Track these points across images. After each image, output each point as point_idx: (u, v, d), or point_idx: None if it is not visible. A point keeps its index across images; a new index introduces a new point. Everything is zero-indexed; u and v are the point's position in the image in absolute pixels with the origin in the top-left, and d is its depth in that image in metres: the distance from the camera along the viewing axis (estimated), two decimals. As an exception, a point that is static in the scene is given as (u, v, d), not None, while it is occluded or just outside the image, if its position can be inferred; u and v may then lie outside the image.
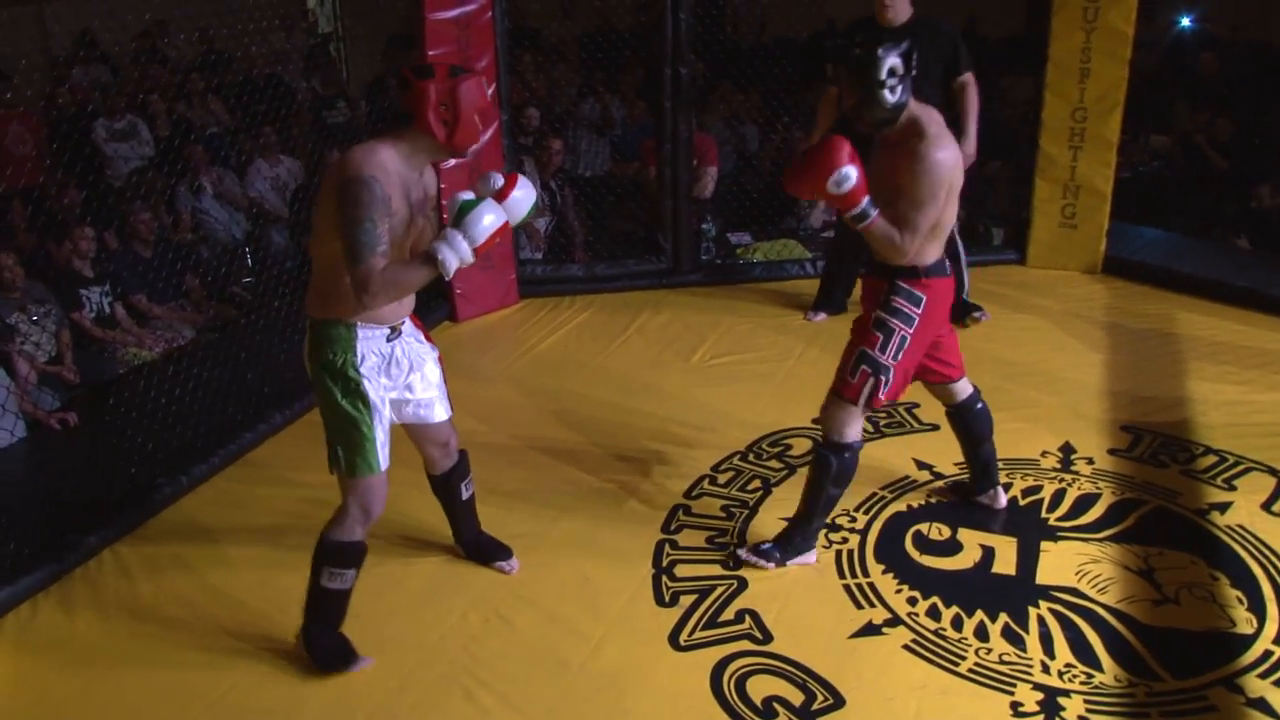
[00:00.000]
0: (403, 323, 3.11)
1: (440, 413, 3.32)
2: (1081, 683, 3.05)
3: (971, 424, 3.81)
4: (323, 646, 3.19)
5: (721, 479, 4.18)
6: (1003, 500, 3.92)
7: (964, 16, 9.22)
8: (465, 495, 3.61)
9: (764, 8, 10.04)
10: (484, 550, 3.70)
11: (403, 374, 3.14)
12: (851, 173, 3.13)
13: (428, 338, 3.30)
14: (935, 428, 4.51)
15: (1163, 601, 3.38)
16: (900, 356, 3.41)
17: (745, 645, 3.22)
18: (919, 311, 3.41)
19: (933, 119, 3.29)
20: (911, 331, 3.40)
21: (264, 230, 6.87)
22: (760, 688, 3.07)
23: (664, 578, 3.58)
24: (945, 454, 4.27)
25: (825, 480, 3.50)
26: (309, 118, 7.90)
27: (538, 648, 3.28)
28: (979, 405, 3.80)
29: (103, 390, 5.02)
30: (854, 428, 3.48)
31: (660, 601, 3.46)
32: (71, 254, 5.52)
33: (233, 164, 7.33)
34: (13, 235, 5.72)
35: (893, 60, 3.14)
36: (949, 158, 3.25)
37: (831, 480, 3.50)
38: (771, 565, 3.58)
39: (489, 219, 2.79)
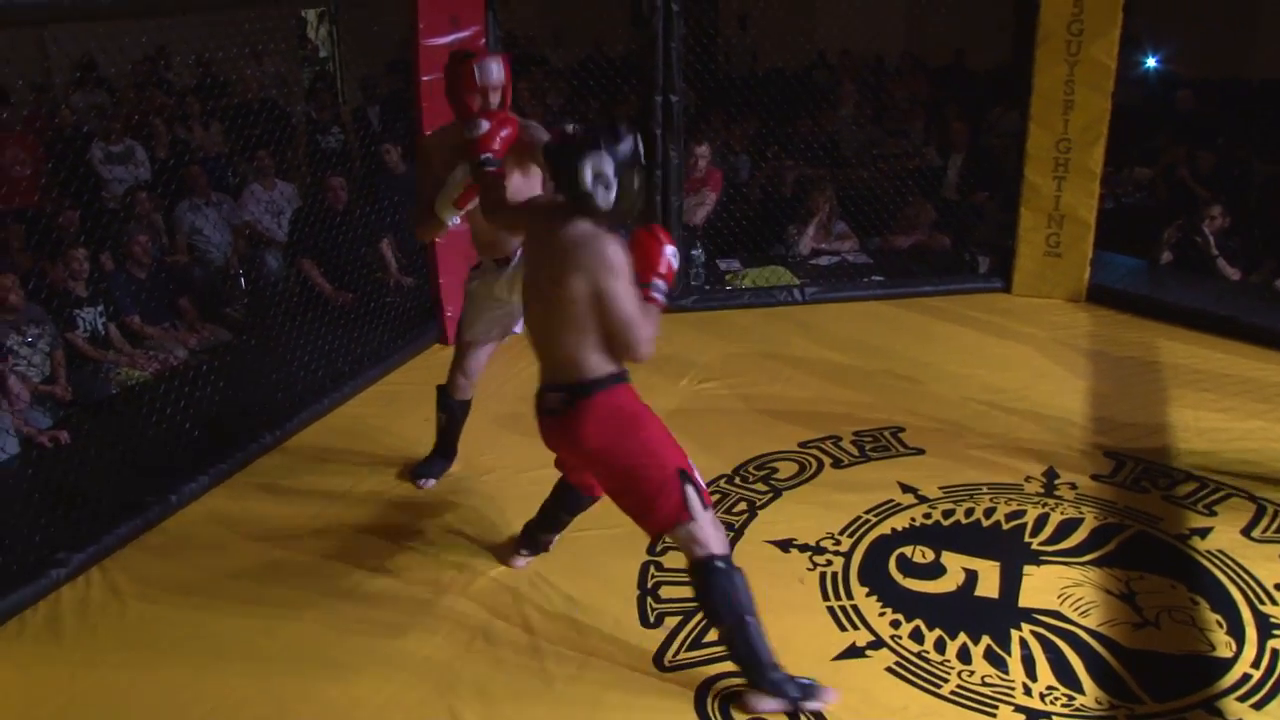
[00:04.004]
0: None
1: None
2: (1063, 705, 3.05)
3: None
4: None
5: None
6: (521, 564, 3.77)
7: (952, 49, 9.33)
8: None
9: (755, 39, 10.13)
10: None
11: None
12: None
13: None
14: (920, 451, 4.52)
15: (1143, 625, 3.38)
16: None
17: (729, 666, 3.18)
18: None
19: None
20: None
21: (258, 253, 6.88)
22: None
23: (649, 599, 3.57)
24: (930, 478, 4.28)
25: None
26: (304, 142, 7.93)
27: (522, 667, 3.26)
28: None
29: (95, 409, 5.02)
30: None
31: (645, 623, 3.45)
32: (66, 275, 5.52)
33: (228, 187, 7.35)
34: (7, 254, 5.72)
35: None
36: None
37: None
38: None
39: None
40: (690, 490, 2.95)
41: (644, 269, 3.03)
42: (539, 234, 3.08)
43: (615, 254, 2.90)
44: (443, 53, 5.43)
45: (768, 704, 3.02)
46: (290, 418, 4.89)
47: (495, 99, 3.70)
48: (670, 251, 3.09)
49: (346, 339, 5.64)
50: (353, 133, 8.32)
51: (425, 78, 5.37)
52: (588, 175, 2.88)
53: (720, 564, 2.94)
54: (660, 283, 3.07)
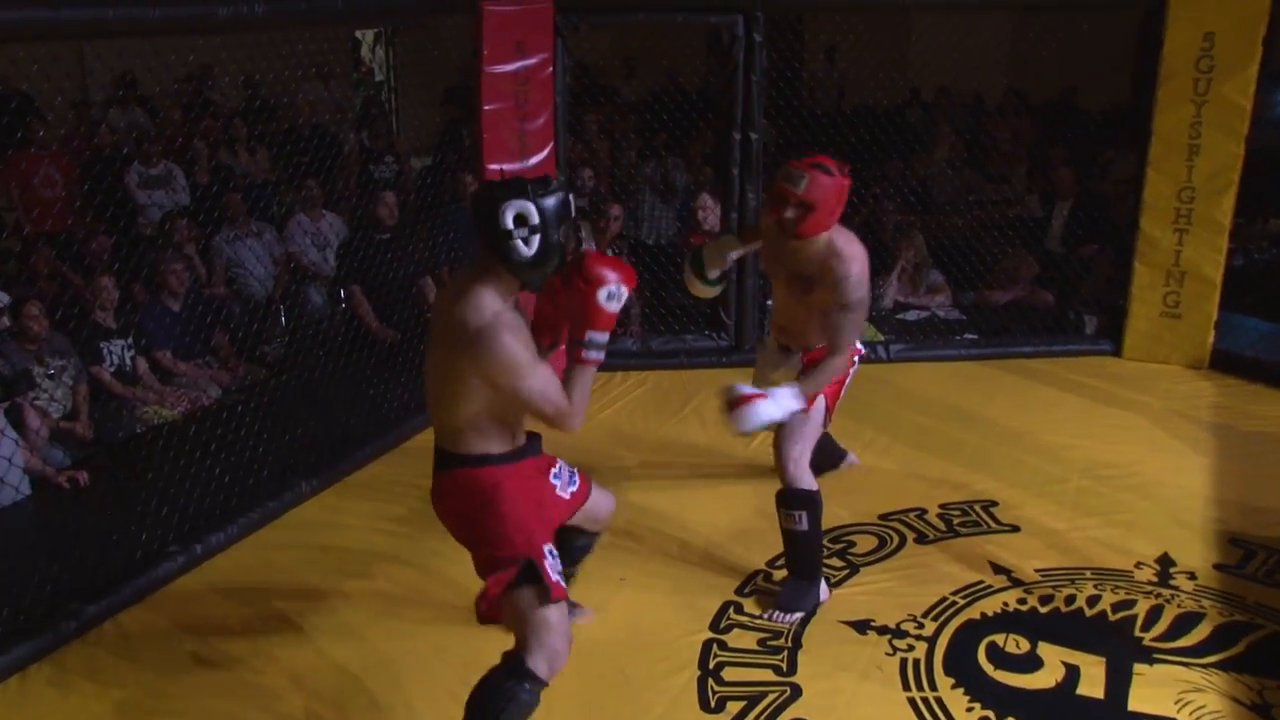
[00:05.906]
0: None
1: None
2: (1179, 827, 2.92)
3: None
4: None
5: (778, 576, 4.09)
6: None
7: (1062, 87, 9.24)
8: None
9: (843, 73, 10.13)
10: None
11: None
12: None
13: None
14: (1015, 529, 4.40)
15: (1280, 741, 3.22)
16: None
17: (797, 762, 3.12)
18: None
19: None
20: None
21: (301, 287, 6.94)
22: (812, 811, 2.97)
23: (710, 680, 3.49)
24: (1026, 559, 4.17)
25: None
26: (356, 172, 8.04)
27: (566, 752, 3.20)
28: None
29: (119, 449, 5.06)
30: None
31: (705, 706, 3.37)
32: (94, 304, 5.60)
33: (272, 217, 7.45)
34: (35, 281, 5.83)
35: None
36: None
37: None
38: None
39: None
40: (525, 588, 2.91)
41: (577, 324, 2.93)
42: (440, 302, 3.00)
43: (506, 350, 2.77)
44: (507, 80, 5.51)
45: None
46: (332, 464, 4.90)
47: None
48: (604, 295, 2.87)
49: (393, 383, 5.64)
50: (406, 159, 8.46)
51: (488, 107, 5.41)
52: (508, 217, 2.78)
53: (529, 685, 2.90)
54: (596, 336, 2.92)
